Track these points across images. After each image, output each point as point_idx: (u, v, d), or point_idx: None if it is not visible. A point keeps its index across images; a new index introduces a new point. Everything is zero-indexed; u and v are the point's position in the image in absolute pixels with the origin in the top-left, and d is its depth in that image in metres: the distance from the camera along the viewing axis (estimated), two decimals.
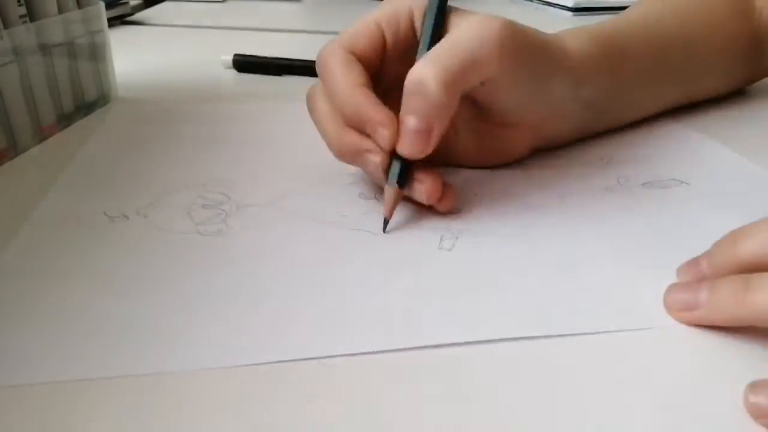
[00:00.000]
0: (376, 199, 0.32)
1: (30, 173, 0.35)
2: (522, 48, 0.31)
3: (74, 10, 0.42)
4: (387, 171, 0.29)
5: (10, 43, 0.36)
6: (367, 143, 0.29)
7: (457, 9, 0.31)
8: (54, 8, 0.40)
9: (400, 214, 0.30)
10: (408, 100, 0.28)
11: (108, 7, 0.51)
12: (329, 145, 0.31)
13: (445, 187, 0.30)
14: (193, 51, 0.65)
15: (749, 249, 0.22)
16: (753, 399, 0.19)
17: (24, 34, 0.37)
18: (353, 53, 0.30)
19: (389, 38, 0.31)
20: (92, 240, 0.28)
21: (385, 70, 0.32)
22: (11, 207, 0.31)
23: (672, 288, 0.24)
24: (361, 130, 0.29)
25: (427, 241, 0.28)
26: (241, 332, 0.22)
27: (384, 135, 0.28)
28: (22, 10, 0.37)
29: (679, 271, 0.25)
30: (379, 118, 0.28)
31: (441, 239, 0.28)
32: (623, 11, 0.42)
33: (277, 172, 0.35)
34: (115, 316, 0.23)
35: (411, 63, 0.29)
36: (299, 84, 0.42)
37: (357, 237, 0.28)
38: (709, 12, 0.42)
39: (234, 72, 0.55)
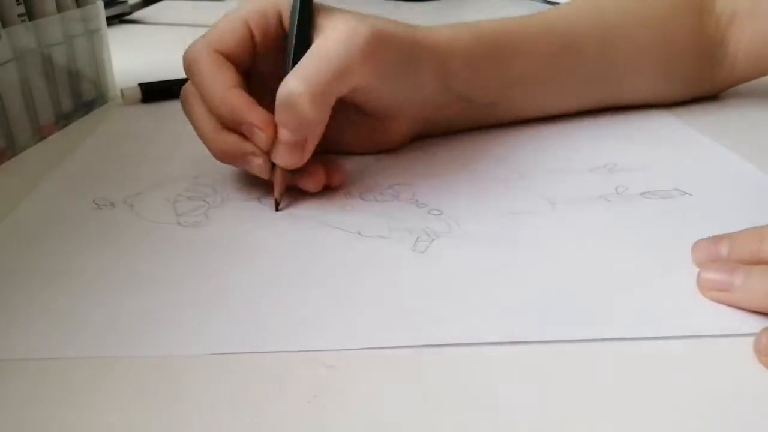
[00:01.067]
0: (360, 198, 0.32)
1: (29, 173, 0.34)
2: (389, 53, 0.31)
3: (73, 9, 0.42)
4: (271, 168, 0.30)
5: (8, 42, 0.36)
6: (247, 145, 0.29)
7: (324, 7, 0.31)
8: (53, 7, 0.40)
9: (376, 212, 0.30)
10: (280, 114, 0.28)
11: (106, 5, 0.51)
12: (208, 147, 0.30)
13: (331, 167, 0.31)
14: None
15: None
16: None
17: (23, 33, 0.37)
18: (222, 53, 0.30)
19: (258, 37, 0.31)
20: (77, 225, 0.29)
21: (256, 68, 0.32)
22: (10, 206, 0.31)
23: (707, 267, 0.24)
24: (237, 129, 0.29)
25: (402, 243, 0.28)
26: (201, 322, 0.22)
27: (261, 137, 0.28)
28: (21, 9, 0.37)
29: (696, 246, 0.26)
30: (256, 120, 0.28)
31: (416, 241, 0.28)
32: (541, 11, 0.41)
33: None
34: (87, 301, 0.24)
35: (282, 60, 0.30)
36: None
37: (332, 234, 0.28)
38: (646, 17, 0.41)
39: None
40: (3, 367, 0.20)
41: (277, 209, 0.30)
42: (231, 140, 0.29)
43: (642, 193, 0.32)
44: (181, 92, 0.31)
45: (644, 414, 0.19)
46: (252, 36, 0.31)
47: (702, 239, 0.26)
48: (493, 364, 0.21)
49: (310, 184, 0.31)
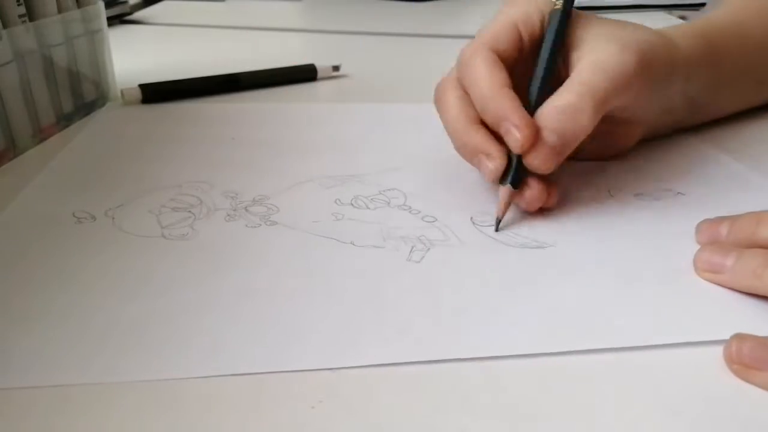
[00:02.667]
0: (351, 204, 0.31)
1: (30, 173, 0.34)
2: (656, 68, 0.32)
3: (73, 10, 0.42)
4: (501, 176, 0.29)
5: (9, 43, 0.35)
6: (489, 146, 0.29)
7: (580, 14, 0.32)
8: (53, 8, 0.40)
9: (369, 220, 0.30)
10: (558, 120, 0.28)
11: (107, 6, 0.51)
12: (453, 137, 0.31)
13: (550, 188, 0.30)
14: (192, 50, 0.64)
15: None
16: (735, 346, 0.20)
17: (23, 33, 0.37)
18: (497, 53, 0.31)
19: (525, 39, 0.32)
20: (56, 241, 0.28)
21: (515, 70, 0.32)
22: None
23: (703, 249, 0.26)
24: (495, 128, 0.29)
25: (397, 252, 0.27)
26: (184, 343, 0.21)
27: (517, 138, 0.28)
28: (22, 10, 0.37)
29: (699, 227, 0.27)
30: (518, 121, 0.28)
31: (411, 250, 0.27)
32: (706, 8, 0.42)
33: (256, 174, 0.34)
34: (74, 319, 0.22)
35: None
36: None
37: (322, 245, 0.27)
38: None
39: None
40: None
41: (497, 229, 0.29)
42: (478, 136, 0.30)
43: (636, 194, 0.32)
44: (439, 84, 0.33)
45: (649, 422, 0.19)
46: (521, 38, 0.32)
47: (705, 220, 0.27)
48: (499, 375, 0.21)
49: (532, 202, 0.29)
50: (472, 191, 0.33)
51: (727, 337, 0.21)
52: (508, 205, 0.29)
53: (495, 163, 0.29)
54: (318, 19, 0.88)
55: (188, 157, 0.37)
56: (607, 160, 0.36)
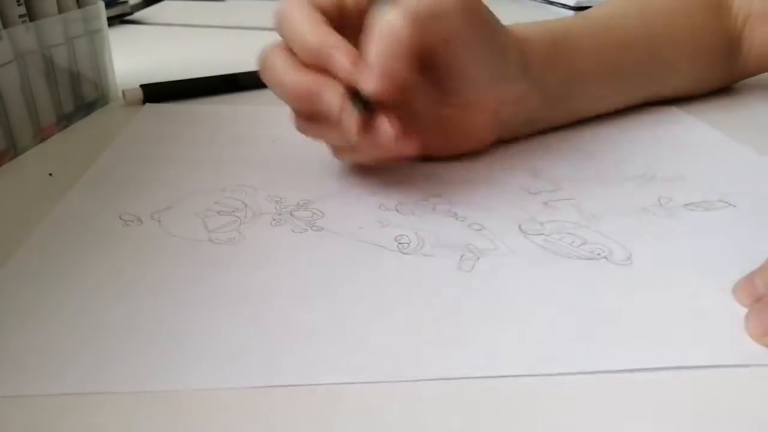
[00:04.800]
0: (396, 210, 0.30)
1: (30, 174, 0.34)
2: (480, 13, 0.33)
3: (74, 10, 0.42)
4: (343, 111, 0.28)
5: (9, 43, 0.35)
6: (322, 80, 0.28)
7: None
8: (53, 8, 0.40)
9: (415, 227, 0.29)
10: (374, 39, 0.28)
11: (107, 6, 0.51)
12: (284, 92, 0.30)
13: (407, 134, 0.29)
14: (192, 50, 0.64)
15: None
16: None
17: (23, 33, 0.37)
18: (316, 6, 0.30)
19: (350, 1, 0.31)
20: (104, 244, 0.27)
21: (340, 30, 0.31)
22: (11, 207, 0.30)
23: (750, 313, 0.23)
24: (322, 64, 0.28)
25: (446, 261, 0.26)
26: (240, 352, 0.21)
27: (344, 62, 0.27)
28: (22, 10, 0.37)
29: (736, 291, 0.24)
30: (343, 46, 0.28)
31: (461, 259, 0.26)
32: (586, 10, 0.44)
33: (298, 177, 0.34)
34: (124, 327, 0.22)
35: (361, 23, 0.29)
36: None
37: (371, 252, 0.27)
38: (681, 16, 0.44)
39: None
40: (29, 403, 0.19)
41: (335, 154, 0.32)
42: (308, 77, 0.29)
43: (685, 205, 0.31)
44: (260, 55, 0.31)
45: None
46: None
47: (738, 280, 0.24)
48: (511, 398, 0.19)
49: (384, 134, 0.28)
50: (518, 198, 0.32)
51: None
52: (357, 123, 0.28)
53: (333, 90, 0.28)
54: None
55: (228, 158, 0.36)
56: (464, 154, 0.36)
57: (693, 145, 0.39)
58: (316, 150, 0.35)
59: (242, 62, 0.52)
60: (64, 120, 0.41)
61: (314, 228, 0.29)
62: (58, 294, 0.24)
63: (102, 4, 0.45)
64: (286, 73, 0.29)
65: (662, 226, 0.29)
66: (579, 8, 0.86)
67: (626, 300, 0.24)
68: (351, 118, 0.28)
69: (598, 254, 0.27)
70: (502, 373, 0.20)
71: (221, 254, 0.26)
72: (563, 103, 0.40)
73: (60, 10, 0.40)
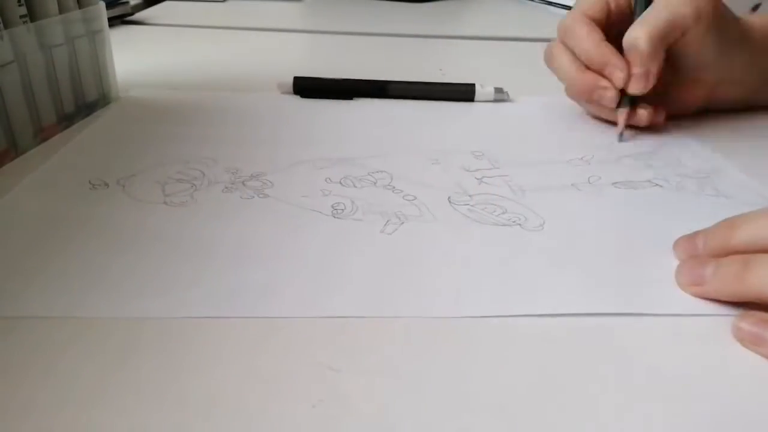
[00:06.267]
0: (340, 183, 0.33)
1: (31, 174, 0.34)
2: (715, 16, 0.39)
3: (74, 10, 0.42)
4: (617, 104, 0.41)
5: (10, 43, 0.36)
6: (603, 81, 0.40)
7: None
8: (54, 8, 0.40)
9: (352, 197, 0.30)
10: (629, 54, 0.39)
11: (108, 6, 0.51)
12: (570, 83, 0.43)
13: (657, 111, 0.42)
14: (193, 51, 0.65)
15: (743, 236, 0.25)
16: (741, 325, 0.22)
17: (24, 34, 0.37)
18: (591, 18, 0.41)
19: (612, 8, 0.43)
20: (74, 202, 0.31)
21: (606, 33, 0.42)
22: None
23: (682, 264, 0.26)
24: (600, 72, 0.40)
25: (372, 225, 0.29)
26: (191, 284, 0.24)
27: (620, 75, 0.39)
28: (23, 10, 0.37)
29: (676, 245, 0.28)
30: (618, 63, 0.39)
31: (386, 223, 0.29)
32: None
33: (258, 156, 0.37)
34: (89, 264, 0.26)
35: (624, 29, 0.40)
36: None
37: (306, 216, 0.30)
38: None
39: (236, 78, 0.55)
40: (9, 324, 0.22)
41: (620, 140, 0.41)
42: (591, 77, 0.41)
43: (613, 183, 0.35)
44: (547, 49, 0.44)
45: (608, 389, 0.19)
46: (609, 8, 0.43)
47: (681, 237, 0.28)
48: (492, 362, 0.21)
49: (642, 118, 0.41)
50: (455, 174, 0.35)
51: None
52: (625, 122, 0.41)
53: (611, 92, 0.40)
54: (318, 19, 0.88)
55: (195, 135, 0.40)
56: (672, 115, 0.43)
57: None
58: (282, 131, 0.39)
59: (243, 62, 0.52)
60: (65, 120, 0.41)
61: (260, 195, 0.32)
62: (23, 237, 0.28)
63: (103, 5, 0.45)
64: (572, 71, 0.42)
65: (583, 200, 0.33)
66: None
67: (522, 258, 0.27)
68: (623, 112, 0.41)
69: (514, 222, 0.30)
70: (385, 314, 0.23)
71: (172, 215, 0.30)
72: (758, 94, 0.45)
73: (61, 11, 0.40)
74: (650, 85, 0.39)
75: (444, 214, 0.31)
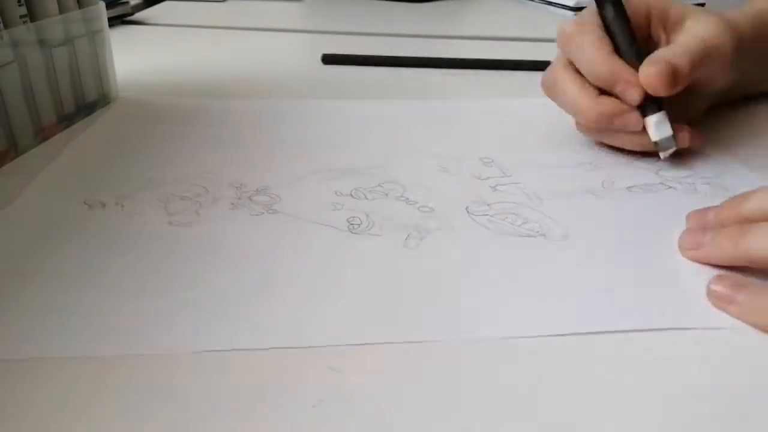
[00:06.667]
0: (350, 195, 0.32)
1: (31, 174, 0.34)
2: (737, 51, 0.36)
3: (74, 10, 0.42)
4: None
5: (10, 43, 0.36)
6: (623, 105, 0.34)
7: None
8: (54, 8, 0.40)
9: (366, 210, 0.30)
10: (658, 74, 0.33)
11: (108, 6, 0.51)
12: (585, 114, 0.36)
13: (694, 133, 0.36)
14: (193, 51, 0.64)
15: (750, 206, 0.26)
16: (714, 287, 0.23)
17: (24, 34, 0.37)
18: (598, 26, 0.36)
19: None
20: (68, 226, 0.29)
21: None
22: None
23: (686, 231, 0.27)
24: (611, 90, 0.35)
25: (393, 240, 0.28)
26: (197, 321, 0.23)
27: (635, 93, 0.34)
28: (23, 10, 0.37)
29: (689, 216, 0.29)
30: (632, 78, 0.34)
31: (407, 237, 0.28)
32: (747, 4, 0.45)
33: (260, 167, 0.36)
34: (76, 300, 0.24)
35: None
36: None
37: (321, 232, 0.29)
38: None
39: (235, 75, 0.55)
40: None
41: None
42: (609, 102, 0.35)
43: (628, 188, 0.34)
44: (544, 79, 0.38)
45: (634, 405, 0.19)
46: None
47: (695, 210, 0.29)
48: (496, 362, 0.21)
49: (683, 139, 0.35)
50: (468, 183, 0.34)
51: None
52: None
53: (635, 115, 0.34)
54: (318, 19, 0.88)
55: (195, 151, 0.38)
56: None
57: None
58: (278, 143, 0.37)
59: (243, 62, 0.52)
60: (66, 120, 0.41)
61: (270, 211, 0.30)
62: (25, 270, 0.26)
63: (103, 5, 0.45)
64: (581, 98, 0.36)
65: (603, 206, 0.32)
66: (578, 8, 0.85)
67: (551, 272, 0.26)
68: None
69: (537, 232, 0.29)
70: (430, 338, 0.22)
71: (178, 236, 0.28)
72: (755, 83, 0.44)
73: (61, 11, 0.40)
74: (679, 87, 0.34)
75: (464, 225, 0.29)
